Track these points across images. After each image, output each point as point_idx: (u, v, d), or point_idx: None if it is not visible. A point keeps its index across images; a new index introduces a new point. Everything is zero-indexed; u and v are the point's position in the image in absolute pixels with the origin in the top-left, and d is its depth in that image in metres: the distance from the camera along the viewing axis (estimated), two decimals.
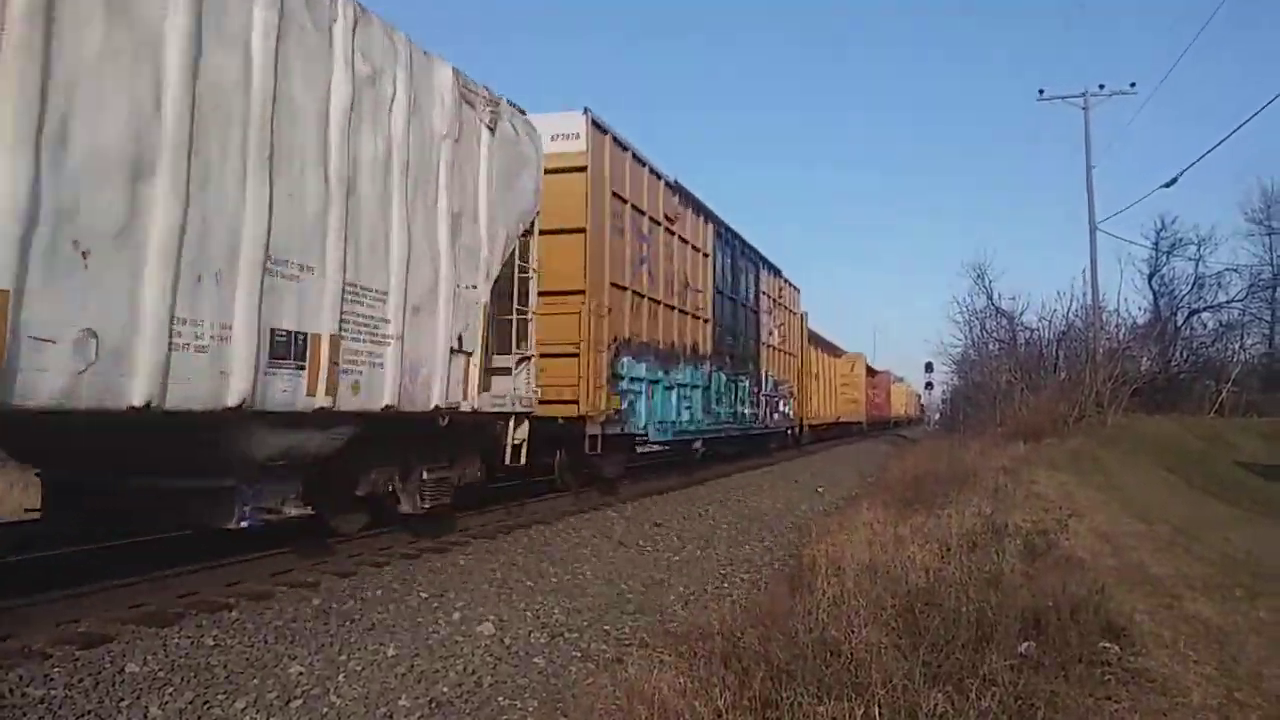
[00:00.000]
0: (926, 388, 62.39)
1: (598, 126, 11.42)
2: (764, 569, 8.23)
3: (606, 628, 5.98)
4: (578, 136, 11.16)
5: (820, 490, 15.74)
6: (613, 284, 11.72)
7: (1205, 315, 36.64)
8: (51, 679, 4.37)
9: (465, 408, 7.84)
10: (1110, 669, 4.29)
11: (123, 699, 4.23)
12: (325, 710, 4.27)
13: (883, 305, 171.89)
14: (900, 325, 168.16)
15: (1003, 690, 3.72)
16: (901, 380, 66.21)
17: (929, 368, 56.08)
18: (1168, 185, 23.97)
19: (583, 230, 11.09)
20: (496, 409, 8.51)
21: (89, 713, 4.05)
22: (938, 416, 64.74)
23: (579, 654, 5.38)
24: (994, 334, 39.09)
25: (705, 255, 16.15)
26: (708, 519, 11.54)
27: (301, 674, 4.70)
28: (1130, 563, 7.41)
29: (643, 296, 12.91)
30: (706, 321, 16.11)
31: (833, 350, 34.41)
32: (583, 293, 11.02)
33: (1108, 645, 4.56)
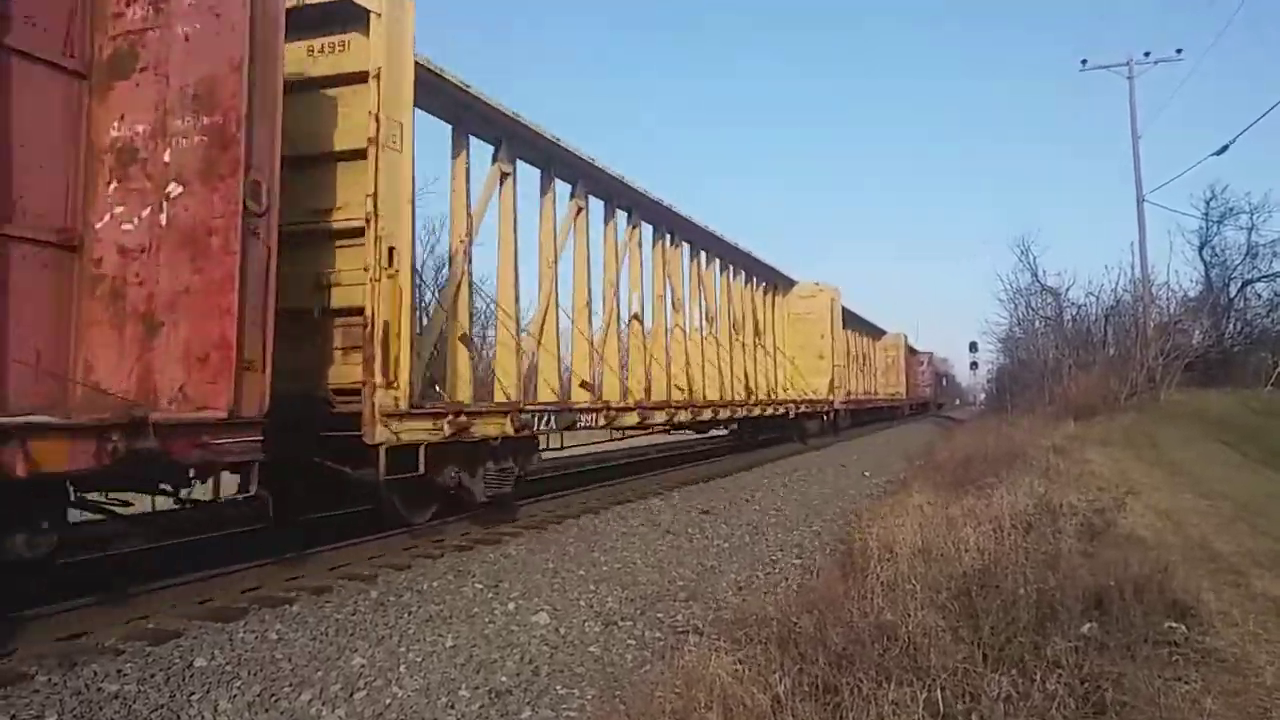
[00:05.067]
0: (971, 367, 61.39)
1: None
2: (815, 554, 8.18)
3: (660, 615, 5.99)
4: None
5: (866, 474, 15.63)
6: None
7: (1259, 286, 35.49)
8: (125, 674, 4.51)
9: None
10: (1178, 649, 4.19)
11: (193, 693, 4.34)
12: (388, 701, 4.34)
13: (926, 285, 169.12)
14: (944, 305, 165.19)
15: (1067, 672, 3.66)
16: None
17: (973, 347, 55.23)
18: (1219, 153, 23.29)
19: None
20: None
21: (161, 706, 4.16)
22: (983, 397, 63.68)
23: (634, 642, 5.40)
24: (1040, 311, 38.40)
25: None
26: (754, 505, 11.51)
27: (363, 666, 4.78)
28: (1193, 540, 7.23)
29: None
30: None
31: None
32: None
33: (1174, 625, 4.45)
